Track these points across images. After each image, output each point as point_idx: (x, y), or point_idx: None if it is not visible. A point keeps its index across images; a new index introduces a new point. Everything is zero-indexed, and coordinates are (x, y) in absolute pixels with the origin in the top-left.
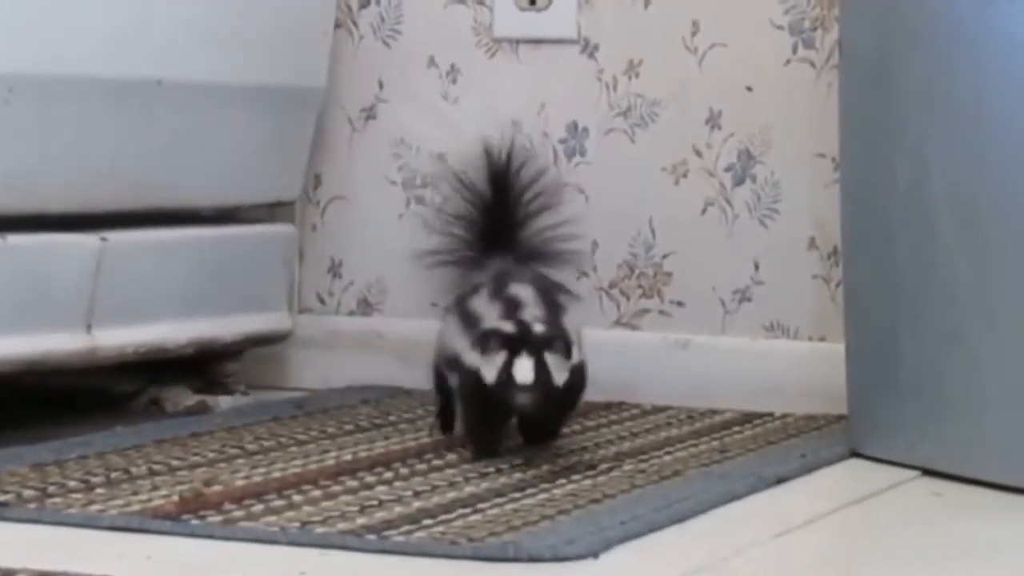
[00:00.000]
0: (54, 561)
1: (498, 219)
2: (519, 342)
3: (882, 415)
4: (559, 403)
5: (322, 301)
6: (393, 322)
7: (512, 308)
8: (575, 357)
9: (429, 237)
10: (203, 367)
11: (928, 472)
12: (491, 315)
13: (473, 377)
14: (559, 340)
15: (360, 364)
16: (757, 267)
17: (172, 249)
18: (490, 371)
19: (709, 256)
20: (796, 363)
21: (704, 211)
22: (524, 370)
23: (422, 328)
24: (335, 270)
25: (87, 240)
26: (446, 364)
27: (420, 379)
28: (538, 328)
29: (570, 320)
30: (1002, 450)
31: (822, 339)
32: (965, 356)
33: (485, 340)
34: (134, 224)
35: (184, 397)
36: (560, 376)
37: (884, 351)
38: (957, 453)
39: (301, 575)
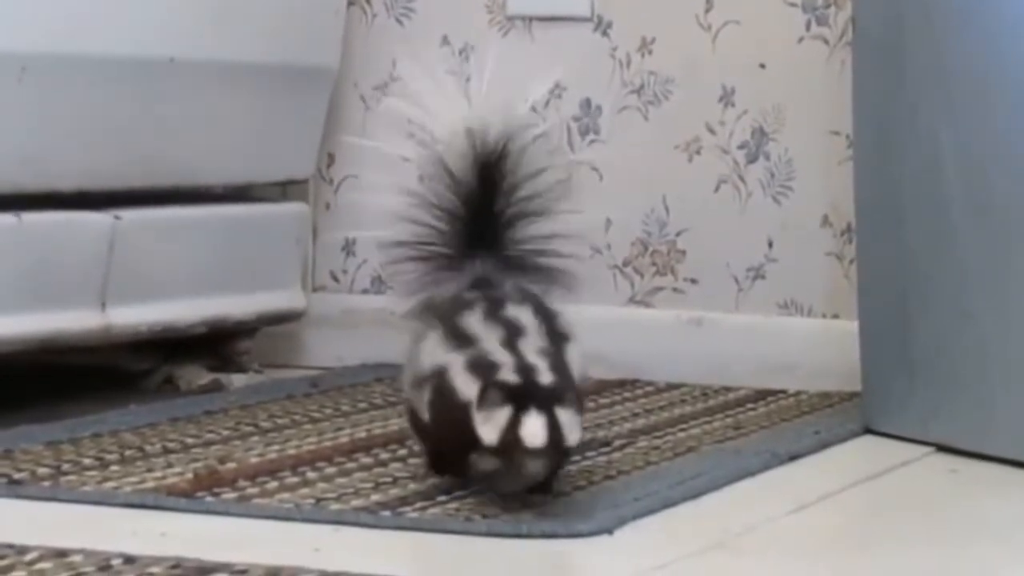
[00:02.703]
0: (68, 538)
1: (483, 216)
2: (525, 395)
3: (895, 392)
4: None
5: (336, 279)
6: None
7: (513, 334)
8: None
9: (403, 226)
10: (217, 345)
11: (942, 448)
12: (490, 338)
13: (456, 405)
14: (569, 393)
15: (374, 342)
16: (771, 245)
17: (185, 227)
18: (491, 431)
19: (723, 234)
20: (810, 340)
21: (718, 189)
22: (534, 430)
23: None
24: (349, 248)
25: (100, 218)
26: (416, 386)
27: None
28: (545, 377)
29: (574, 349)
30: (1016, 426)
31: (835, 317)
32: (977, 334)
33: (484, 392)
34: (147, 202)
35: (198, 375)
36: (573, 435)
37: (897, 329)
38: (971, 430)
39: (315, 551)
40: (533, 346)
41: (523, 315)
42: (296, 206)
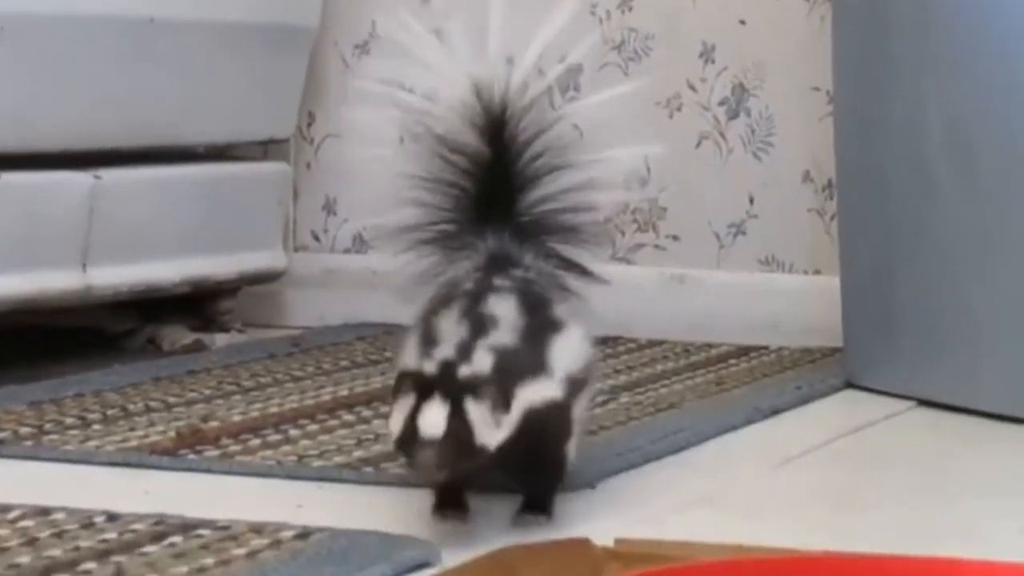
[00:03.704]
0: (52, 497)
1: (492, 183)
2: (430, 383)
3: (877, 347)
4: (527, 455)
5: (317, 239)
6: (388, 259)
7: (478, 331)
8: (537, 397)
9: (407, 210)
10: (198, 306)
11: (924, 403)
12: (451, 337)
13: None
14: (491, 387)
15: (356, 301)
16: (752, 201)
17: (166, 187)
18: (396, 420)
19: (704, 190)
20: (791, 296)
21: (698, 145)
22: (430, 419)
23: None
24: (330, 208)
25: (81, 178)
26: None
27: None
28: (465, 369)
29: (568, 338)
30: (998, 380)
31: (817, 272)
32: (960, 288)
33: (397, 382)
34: (128, 162)
35: (180, 335)
36: (488, 434)
37: (879, 284)
38: (953, 384)
39: (298, 508)
40: (491, 343)
41: (502, 308)
42: (277, 166)
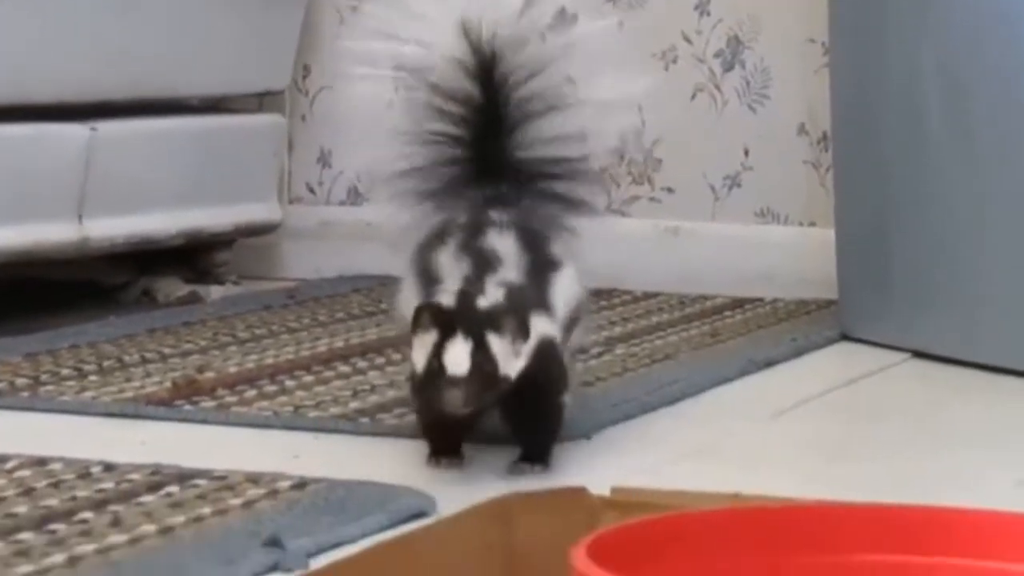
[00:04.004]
0: (48, 447)
1: (485, 126)
2: (452, 319)
3: (872, 299)
4: (527, 402)
5: (312, 191)
6: (383, 211)
7: (482, 266)
8: (544, 331)
9: (403, 159)
10: (194, 258)
11: (918, 354)
12: (455, 273)
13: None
14: (510, 317)
15: (351, 253)
16: (747, 153)
17: (161, 139)
18: (421, 358)
19: (699, 142)
20: (786, 249)
21: (694, 97)
22: (455, 356)
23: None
24: (325, 160)
25: (77, 130)
26: (404, 339)
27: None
28: (483, 301)
29: (564, 277)
30: (992, 332)
31: (812, 224)
32: (955, 239)
33: (416, 316)
34: (124, 114)
35: (175, 287)
36: (510, 364)
37: (874, 236)
38: (947, 336)
39: (295, 458)
40: (499, 279)
41: (502, 244)
42: (272, 118)
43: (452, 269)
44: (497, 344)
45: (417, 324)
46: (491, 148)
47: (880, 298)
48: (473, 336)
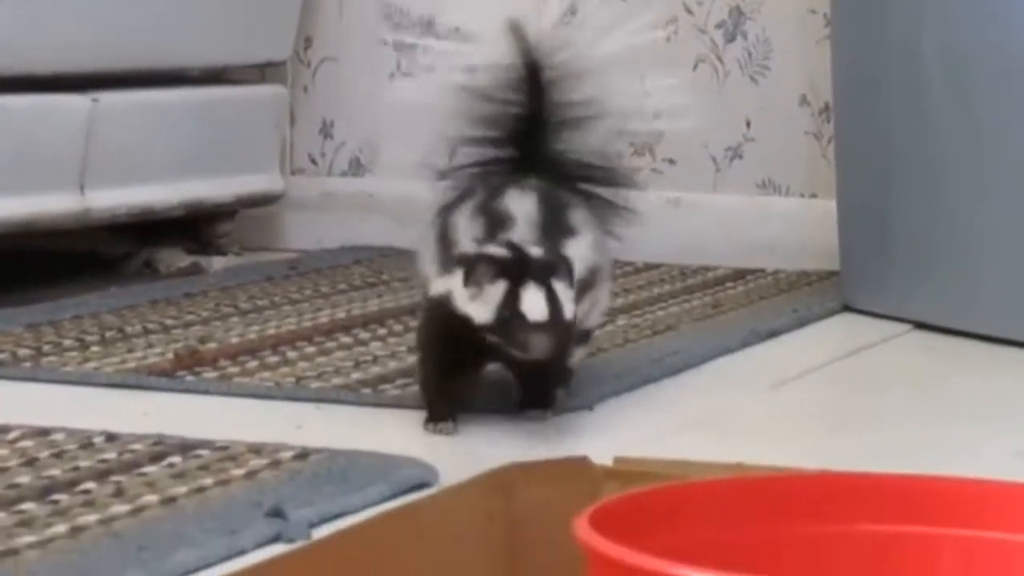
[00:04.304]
0: (50, 417)
1: (534, 124)
2: (519, 269)
3: (874, 270)
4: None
5: (314, 162)
6: (385, 182)
7: (499, 226)
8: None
9: (443, 157)
10: (196, 229)
11: (920, 326)
12: (469, 233)
13: (441, 313)
14: (564, 265)
15: (353, 224)
16: (748, 124)
17: (163, 110)
18: (483, 308)
19: (700, 114)
20: (788, 220)
21: (695, 68)
22: (535, 304)
23: (415, 188)
24: (327, 131)
25: (78, 101)
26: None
27: (413, 239)
28: (535, 250)
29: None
30: (994, 303)
31: (814, 196)
32: (956, 212)
33: (472, 268)
34: (125, 85)
35: (177, 258)
36: (570, 309)
37: (876, 207)
38: (949, 307)
39: (297, 428)
40: (520, 237)
41: (520, 205)
42: (274, 89)
43: (466, 229)
44: (562, 291)
45: (477, 275)
46: (531, 150)
47: (882, 269)
48: (544, 283)
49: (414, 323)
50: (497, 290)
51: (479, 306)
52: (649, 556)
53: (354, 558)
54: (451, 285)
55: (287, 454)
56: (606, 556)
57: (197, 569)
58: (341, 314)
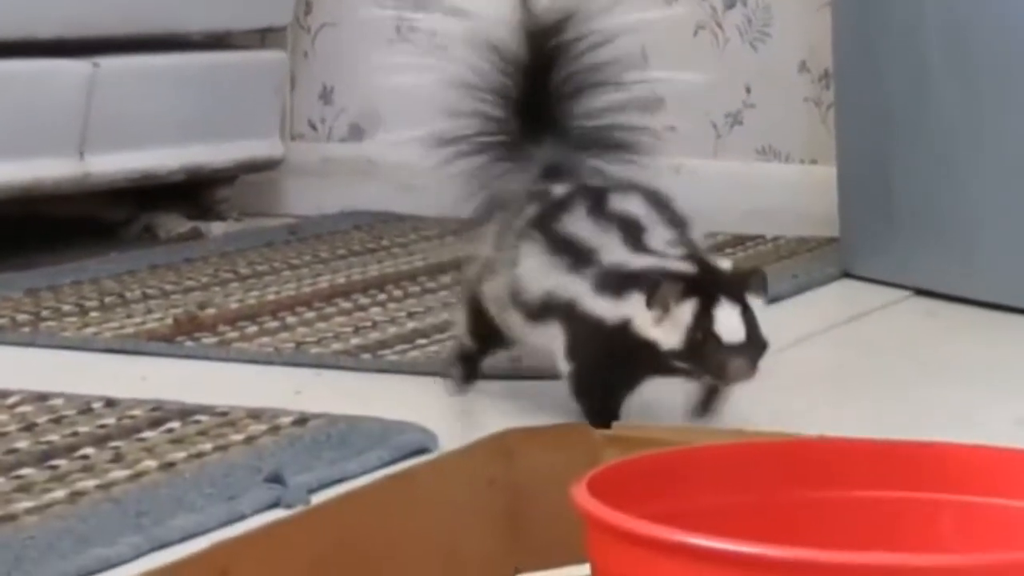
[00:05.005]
0: (49, 382)
1: (540, 92)
2: (710, 285)
3: (874, 236)
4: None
5: (314, 128)
6: (385, 148)
7: (634, 232)
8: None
9: (451, 119)
10: (195, 194)
11: (920, 292)
12: (608, 242)
13: (609, 333)
14: (757, 278)
15: (352, 190)
16: (748, 91)
17: (163, 74)
18: (671, 332)
19: (701, 80)
20: (788, 186)
21: (696, 35)
22: (731, 324)
23: (414, 154)
24: (326, 96)
25: (79, 66)
26: (523, 308)
27: (412, 205)
28: (724, 263)
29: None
30: (993, 270)
31: (814, 162)
32: (956, 179)
33: (655, 288)
34: (125, 50)
35: (177, 224)
36: (765, 329)
37: (875, 174)
38: (948, 273)
39: (296, 394)
40: (663, 240)
41: (633, 206)
42: (274, 54)
43: (600, 237)
44: (756, 305)
45: (662, 296)
46: (543, 115)
47: (881, 235)
48: (739, 300)
49: (413, 288)
50: (686, 311)
51: (666, 330)
52: (647, 522)
53: (353, 523)
54: (628, 310)
55: (286, 420)
56: (604, 521)
57: (196, 534)
58: (341, 279)
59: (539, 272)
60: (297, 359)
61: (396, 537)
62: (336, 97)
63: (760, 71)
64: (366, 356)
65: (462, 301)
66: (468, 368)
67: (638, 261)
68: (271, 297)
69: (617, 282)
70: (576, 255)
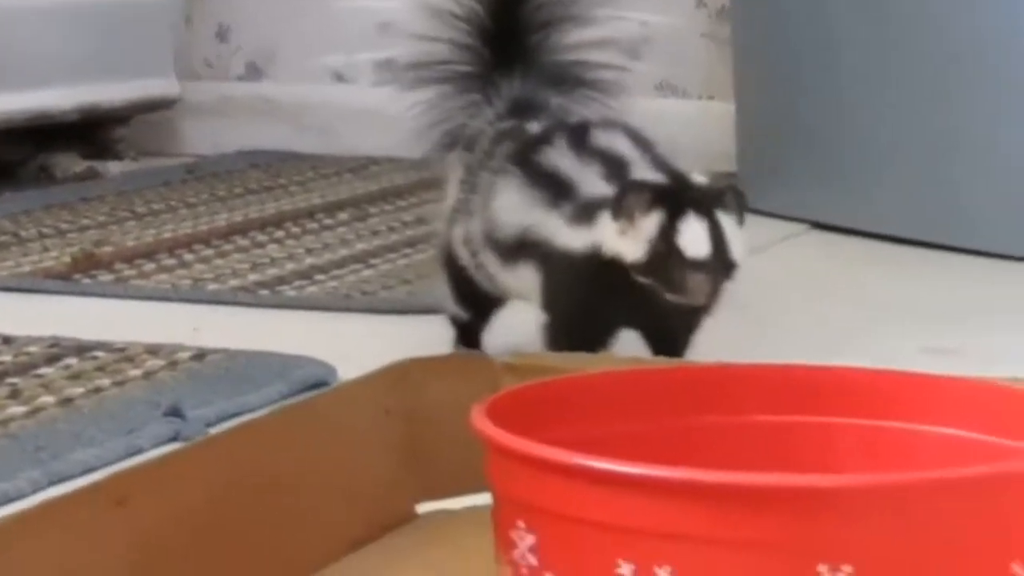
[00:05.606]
0: None
1: (508, 23)
2: (679, 197)
3: (771, 171)
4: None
5: (210, 66)
6: (282, 87)
7: (617, 167)
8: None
9: (413, 44)
10: (91, 133)
11: (817, 225)
12: (589, 176)
13: (580, 265)
14: (732, 193)
15: (249, 129)
16: (645, 26)
17: (57, 13)
18: (633, 243)
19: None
20: (686, 122)
21: None
22: (695, 237)
23: (311, 92)
24: (223, 35)
25: None
26: (498, 248)
27: (310, 143)
28: (698, 176)
29: None
30: (891, 202)
31: (711, 98)
32: (853, 115)
33: (623, 197)
34: None
35: (73, 163)
36: (738, 247)
37: (773, 110)
38: (846, 206)
39: (194, 331)
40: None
41: (618, 143)
42: None
43: (581, 171)
44: (727, 223)
45: (627, 205)
46: (510, 47)
47: (779, 170)
48: (707, 215)
49: (311, 225)
50: (652, 222)
51: (630, 243)
52: (547, 446)
53: (251, 453)
54: (597, 234)
55: (184, 355)
56: (505, 447)
57: (95, 468)
58: (238, 217)
59: (517, 207)
60: (195, 295)
61: (294, 467)
62: (232, 36)
63: (656, 6)
64: (264, 292)
65: (439, 266)
66: (468, 343)
67: (647, 175)
68: (168, 235)
69: (590, 210)
70: (556, 189)
